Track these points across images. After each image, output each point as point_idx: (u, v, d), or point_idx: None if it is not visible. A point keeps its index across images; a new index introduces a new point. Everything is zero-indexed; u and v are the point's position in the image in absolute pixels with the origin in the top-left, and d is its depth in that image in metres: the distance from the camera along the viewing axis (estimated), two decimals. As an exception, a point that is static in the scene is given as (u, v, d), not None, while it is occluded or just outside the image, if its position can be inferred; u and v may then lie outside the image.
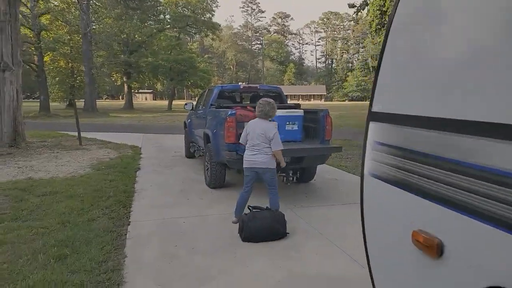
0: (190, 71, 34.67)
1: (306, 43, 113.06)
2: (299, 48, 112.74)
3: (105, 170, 6.77)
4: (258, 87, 6.40)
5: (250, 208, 3.74)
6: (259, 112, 3.84)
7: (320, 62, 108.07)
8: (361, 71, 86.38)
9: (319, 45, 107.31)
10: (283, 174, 4.74)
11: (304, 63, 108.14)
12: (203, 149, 6.20)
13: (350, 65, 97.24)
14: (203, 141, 6.01)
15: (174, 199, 4.97)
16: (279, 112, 5.30)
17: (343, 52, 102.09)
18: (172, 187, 5.63)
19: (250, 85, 6.32)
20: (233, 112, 4.76)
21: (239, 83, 6.30)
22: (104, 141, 11.07)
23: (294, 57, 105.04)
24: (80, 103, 31.72)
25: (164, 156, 8.61)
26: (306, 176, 5.74)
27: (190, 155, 8.06)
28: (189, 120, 8.06)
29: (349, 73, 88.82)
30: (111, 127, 16.09)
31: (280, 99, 6.52)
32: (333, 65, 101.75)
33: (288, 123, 5.29)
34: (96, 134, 12.77)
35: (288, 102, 6.88)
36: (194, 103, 7.96)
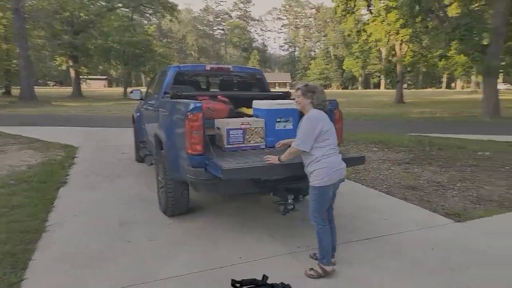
0: (146, 55, 31.69)
1: (269, 30, 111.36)
2: (262, 35, 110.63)
3: (13, 187, 4.71)
4: (231, 69, 4.63)
5: (236, 284, 2.04)
6: (321, 102, 2.67)
7: (283, 50, 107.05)
8: (323, 59, 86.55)
9: (281, 32, 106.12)
10: (280, 202, 3.08)
11: (267, 50, 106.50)
12: (155, 157, 4.38)
13: (313, 53, 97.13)
14: (154, 146, 4.19)
15: (105, 244, 3.13)
16: (267, 104, 3.63)
17: (305, 40, 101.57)
18: (108, 217, 3.76)
19: (219, 65, 4.55)
20: (198, 105, 2.99)
21: (205, 64, 4.51)
22: (31, 139, 8.73)
23: (258, 44, 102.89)
24: (17, 90, 27.84)
25: (107, 160, 6.61)
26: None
27: (141, 159, 6.15)
28: (137, 114, 6.12)
29: (311, 61, 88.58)
30: (48, 120, 13.43)
31: (261, 85, 4.81)
32: (296, 53, 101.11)
33: (279, 119, 3.62)
34: (25, 129, 10.29)
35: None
36: (144, 90, 6.04)
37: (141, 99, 5.67)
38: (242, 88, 4.75)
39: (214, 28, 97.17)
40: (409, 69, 29.83)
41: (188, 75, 4.53)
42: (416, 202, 4.20)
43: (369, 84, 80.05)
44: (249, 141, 3.50)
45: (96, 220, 3.68)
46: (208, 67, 4.48)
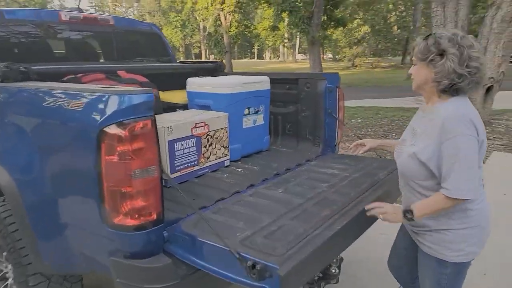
0: None
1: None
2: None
3: None
4: (111, 21, 2.55)
5: None
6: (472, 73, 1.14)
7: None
8: (139, 28, 79.66)
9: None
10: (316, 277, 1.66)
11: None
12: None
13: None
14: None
15: None
16: (226, 85, 2.06)
17: (115, 5, 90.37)
18: None
19: (86, 13, 2.36)
20: (145, 98, 1.14)
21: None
22: None
23: (54, 5, 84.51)
24: None
25: None
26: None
27: None
28: None
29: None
30: None
31: (162, 50, 2.94)
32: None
33: (247, 111, 2.09)
34: None
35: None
36: None
37: None
38: (131, 56, 2.76)
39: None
40: (234, 40, 30.84)
41: (24, 30, 2.19)
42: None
43: (191, 54, 79.78)
44: (208, 158, 1.85)
45: None
46: (65, 16, 2.27)
